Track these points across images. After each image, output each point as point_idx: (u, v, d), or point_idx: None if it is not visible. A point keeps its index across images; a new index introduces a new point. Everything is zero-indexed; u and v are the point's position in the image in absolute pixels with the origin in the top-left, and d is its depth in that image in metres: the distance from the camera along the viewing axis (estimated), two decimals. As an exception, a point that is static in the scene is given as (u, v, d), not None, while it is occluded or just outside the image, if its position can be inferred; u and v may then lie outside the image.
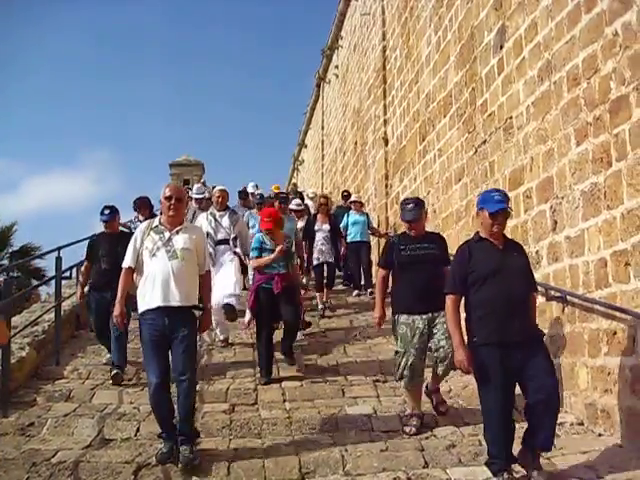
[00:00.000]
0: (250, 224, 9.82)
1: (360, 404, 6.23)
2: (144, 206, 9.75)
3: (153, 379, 4.90)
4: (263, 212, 7.87)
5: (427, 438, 5.36)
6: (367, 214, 12.06)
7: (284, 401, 6.37)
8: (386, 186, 12.98)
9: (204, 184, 14.65)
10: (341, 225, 11.38)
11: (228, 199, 8.97)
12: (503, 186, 7.07)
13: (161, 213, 5.47)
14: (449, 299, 4.58)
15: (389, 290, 5.96)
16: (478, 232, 4.66)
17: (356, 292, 11.46)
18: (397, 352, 5.62)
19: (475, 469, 4.62)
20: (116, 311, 5.25)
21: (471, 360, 4.40)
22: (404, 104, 11.76)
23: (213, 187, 13.60)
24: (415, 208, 5.69)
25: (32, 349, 7.24)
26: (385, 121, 13.17)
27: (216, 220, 8.42)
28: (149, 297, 4.99)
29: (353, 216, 11.56)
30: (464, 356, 4.41)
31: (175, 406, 4.99)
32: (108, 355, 7.42)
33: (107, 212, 7.62)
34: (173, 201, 5.16)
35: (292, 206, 10.82)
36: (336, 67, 20.71)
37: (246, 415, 5.96)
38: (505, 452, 4.34)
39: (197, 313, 5.17)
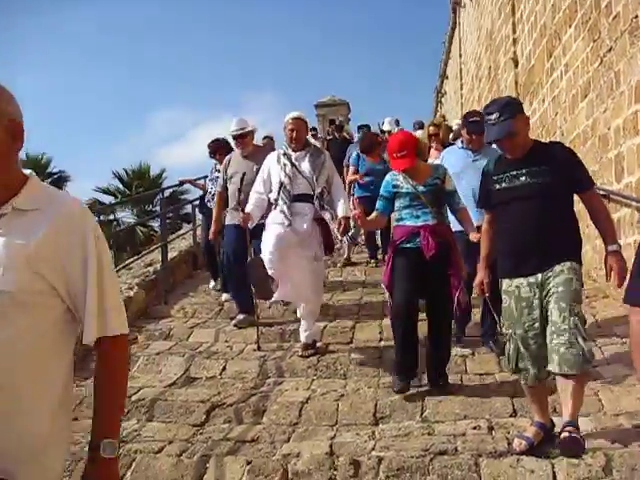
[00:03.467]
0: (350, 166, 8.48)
1: (461, 345, 5.76)
2: (222, 150, 7.65)
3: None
4: (391, 142, 4.92)
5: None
6: None
7: (380, 340, 6.02)
8: (517, 111, 11.96)
9: (344, 123, 13.26)
10: None
11: (307, 132, 6.18)
12: (629, 99, 6.17)
13: None
14: None
15: None
16: None
17: None
18: (503, 333, 3.97)
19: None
20: None
21: None
22: (532, 19, 10.66)
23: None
24: (499, 119, 3.64)
25: (140, 289, 7.35)
26: (514, 40, 12.06)
27: (292, 164, 5.66)
28: None
29: None
30: None
31: None
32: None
33: None
34: None
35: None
36: (470, -12, 19.40)
37: (336, 355, 5.68)
38: None
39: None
